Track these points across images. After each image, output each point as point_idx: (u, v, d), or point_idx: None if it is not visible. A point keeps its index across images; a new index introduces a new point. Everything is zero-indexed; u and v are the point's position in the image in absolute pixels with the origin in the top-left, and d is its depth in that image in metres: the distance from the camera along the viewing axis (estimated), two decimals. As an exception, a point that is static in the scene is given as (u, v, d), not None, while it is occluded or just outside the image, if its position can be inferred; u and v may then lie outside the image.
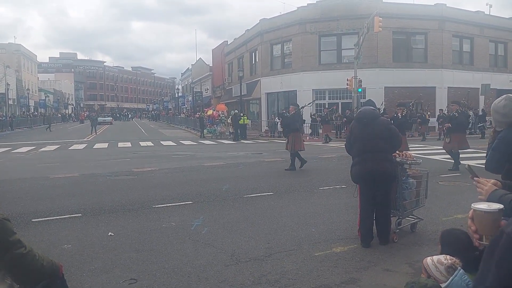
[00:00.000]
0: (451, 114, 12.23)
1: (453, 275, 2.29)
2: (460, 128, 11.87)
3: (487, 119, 26.13)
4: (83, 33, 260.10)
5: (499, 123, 3.38)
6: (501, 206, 1.74)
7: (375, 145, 5.19)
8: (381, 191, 5.23)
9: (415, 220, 5.85)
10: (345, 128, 24.12)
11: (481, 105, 29.44)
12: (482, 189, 2.07)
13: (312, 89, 30.20)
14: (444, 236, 2.72)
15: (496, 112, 3.34)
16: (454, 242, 2.56)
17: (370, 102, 5.89)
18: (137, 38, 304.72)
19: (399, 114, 13.31)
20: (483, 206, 1.74)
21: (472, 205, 1.76)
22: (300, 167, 11.88)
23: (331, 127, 24.68)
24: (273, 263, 4.66)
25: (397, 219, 5.56)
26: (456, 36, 31.10)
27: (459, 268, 2.32)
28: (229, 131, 28.37)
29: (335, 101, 29.82)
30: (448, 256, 2.42)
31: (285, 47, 32.74)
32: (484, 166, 3.48)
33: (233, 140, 25.40)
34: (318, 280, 4.20)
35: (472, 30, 31.57)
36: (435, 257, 2.46)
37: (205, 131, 29.61)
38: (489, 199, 1.94)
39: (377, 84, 28.04)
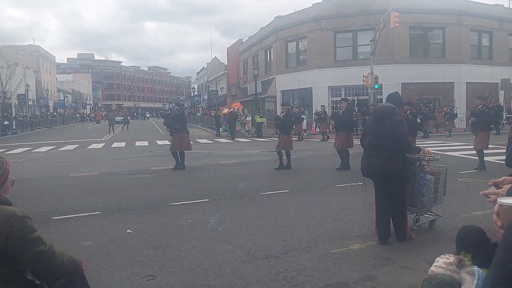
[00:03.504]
0: (338, 111, 11.93)
1: (476, 279, 2.24)
2: (345, 126, 11.66)
3: (504, 115, 25.55)
4: (98, 35, 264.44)
5: None
6: None
7: (382, 143, 5.11)
8: (389, 189, 5.17)
9: (434, 217, 5.77)
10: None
11: (501, 100, 28.85)
12: (496, 194, 1.99)
13: (328, 86, 30.04)
14: (458, 232, 2.69)
15: None
16: (467, 238, 2.52)
17: (393, 96, 5.55)
18: (150, 38, 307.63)
19: (479, 107, 10.90)
20: (510, 201, 1.68)
21: (498, 199, 1.70)
22: (172, 168, 11.95)
23: (327, 125, 23.88)
24: (290, 260, 4.67)
25: (415, 216, 5.49)
26: (474, 30, 30.50)
27: (478, 270, 2.28)
28: (245, 129, 28.41)
29: (351, 98, 29.54)
30: (446, 255, 2.42)
31: (300, 44, 32.59)
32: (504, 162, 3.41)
33: (230, 139, 25.06)
34: (335, 277, 4.19)
35: (491, 24, 30.91)
36: (437, 263, 2.44)
37: (220, 129, 29.73)
38: (509, 194, 1.88)
39: (393, 80, 27.72)
